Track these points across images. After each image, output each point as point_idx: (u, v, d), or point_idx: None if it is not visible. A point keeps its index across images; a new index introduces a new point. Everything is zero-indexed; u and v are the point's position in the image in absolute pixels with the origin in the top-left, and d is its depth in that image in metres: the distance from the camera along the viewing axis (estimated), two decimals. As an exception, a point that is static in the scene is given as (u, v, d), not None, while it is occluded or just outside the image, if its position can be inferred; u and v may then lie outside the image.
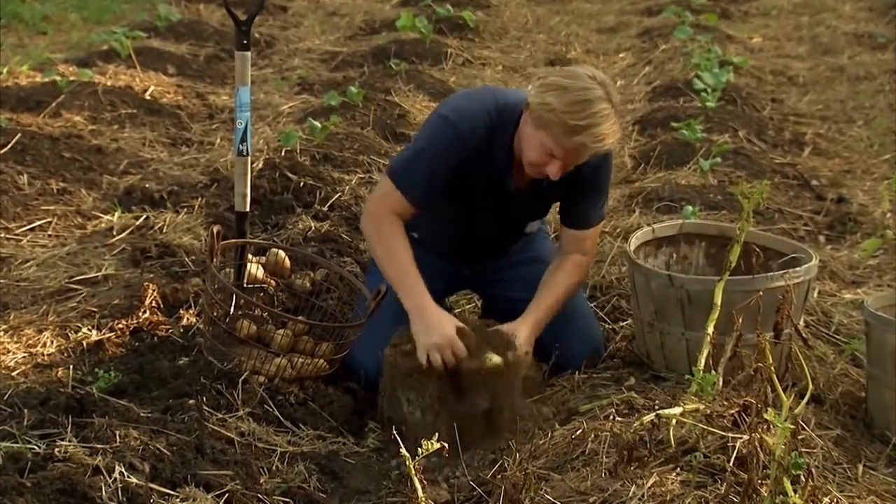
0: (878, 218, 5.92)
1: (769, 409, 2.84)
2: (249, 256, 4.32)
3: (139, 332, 4.31)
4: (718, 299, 3.68)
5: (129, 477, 3.07)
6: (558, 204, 4.21)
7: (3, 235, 5.26)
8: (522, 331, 3.96)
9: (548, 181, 3.87)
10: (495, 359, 3.78)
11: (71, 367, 4.01)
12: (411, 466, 2.62)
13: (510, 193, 4.02)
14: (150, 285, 4.53)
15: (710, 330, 3.62)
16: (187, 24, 9.59)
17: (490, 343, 3.84)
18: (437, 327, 3.79)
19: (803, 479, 2.78)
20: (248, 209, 4.28)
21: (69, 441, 3.22)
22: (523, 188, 4.01)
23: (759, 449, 2.84)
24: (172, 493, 3.11)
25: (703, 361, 3.54)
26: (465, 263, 4.32)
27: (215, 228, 4.07)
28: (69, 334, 4.28)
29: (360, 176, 6.05)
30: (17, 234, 5.29)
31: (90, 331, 4.29)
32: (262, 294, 4.36)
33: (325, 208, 5.55)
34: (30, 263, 4.97)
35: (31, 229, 5.35)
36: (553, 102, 3.70)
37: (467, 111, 3.94)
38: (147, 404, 3.69)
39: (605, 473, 3.12)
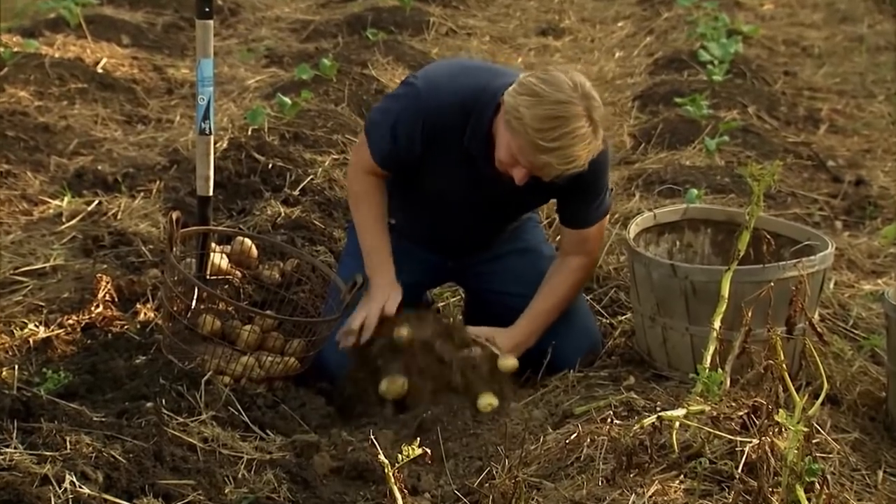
0: (900, 202, 5.95)
1: (781, 410, 2.86)
2: (213, 245, 4.32)
3: (91, 328, 4.30)
4: (726, 291, 3.69)
5: (80, 487, 3.07)
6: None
7: (-60, 222, 5.25)
8: (505, 339, 4.06)
9: (533, 178, 3.86)
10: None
11: (16, 366, 4.00)
12: (390, 474, 2.63)
13: (487, 182, 3.99)
14: (104, 277, 4.52)
15: (717, 324, 3.63)
16: (143, -11, 9.55)
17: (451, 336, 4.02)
18: (372, 299, 4.04)
19: (818, 487, 2.80)
20: (211, 193, 4.28)
21: (14, 448, 3.21)
22: (506, 179, 3.97)
23: (769, 454, 2.86)
24: (128, 504, 3.12)
25: (708, 359, 3.55)
26: (447, 254, 4.33)
27: (175, 215, 4.06)
28: (14, 331, 4.27)
29: (334, 157, 6.04)
30: (-44, 222, 5.28)
31: (37, 327, 4.28)
32: (226, 286, 4.36)
33: (296, 192, 5.54)
34: (-30, 253, 4.96)
35: (-28, 216, 5.34)
36: (523, 112, 3.66)
37: (440, 86, 3.95)
38: (100, 408, 3.68)
39: (602, 481, 3.13)
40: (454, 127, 3.92)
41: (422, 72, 4.15)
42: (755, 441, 2.98)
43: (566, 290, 4.14)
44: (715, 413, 3.22)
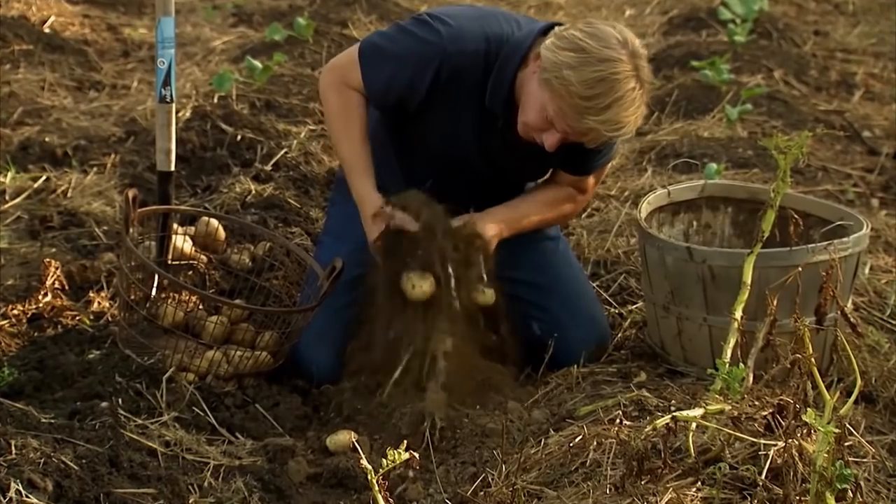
0: (943, 177, 5.96)
1: (809, 409, 2.87)
2: (175, 226, 4.32)
3: (39, 319, 4.31)
4: (748, 277, 3.70)
5: (27, 496, 3.07)
6: None
7: None
8: (489, 227, 4.02)
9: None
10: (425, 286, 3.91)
11: (-45, 362, 4.01)
12: (374, 481, 2.64)
13: (501, 142, 3.99)
14: (52, 262, 4.52)
15: (738, 314, 3.64)
16: (95, -62, 9.53)
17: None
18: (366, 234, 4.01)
19: (850, 495, 2.81)
20: (172, 168, 4.28)
21: (-46, 453, 3.23)
22: (520, 141, 3.95)
23: (796, 458, 2.87)
24: (81, 515, 3.13)
25: (729, 352, 3.56)
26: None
27: (132, 192, 4.07)
28: (-48, 323, 4.28)
29: (311, 128, 6.04)
30: None
31: (-22, 318, 4.29)
32: (190, 273, 4.36)
33: (268, 167, 5.55)
34: None
35: None
36: (567, 73, 3.63)
37: (463, 29, 3.92)
38: (49, 408, 3.69)
39: (609, 489, 3.14)
40: (471, 79, 3.90)
41: (440, 11, 4.05)
42: (780, 444, 2.99)
43: (553, 207, 4.18)
44: (736, 413, 3.23)
